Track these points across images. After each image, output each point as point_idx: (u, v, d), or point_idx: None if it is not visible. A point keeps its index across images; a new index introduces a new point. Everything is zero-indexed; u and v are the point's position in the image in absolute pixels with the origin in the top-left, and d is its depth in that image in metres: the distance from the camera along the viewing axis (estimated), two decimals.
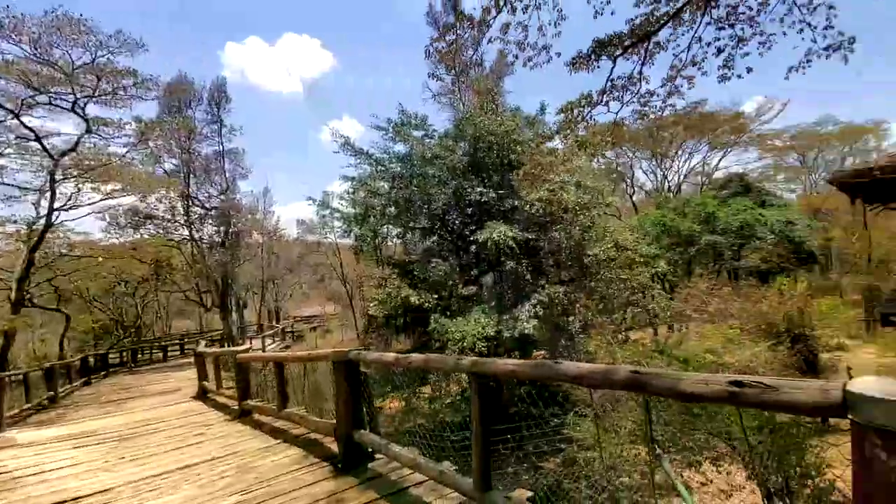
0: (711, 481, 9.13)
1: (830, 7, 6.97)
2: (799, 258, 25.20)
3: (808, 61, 7.35)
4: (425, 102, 26.37)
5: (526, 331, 11.27)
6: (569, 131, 9.91)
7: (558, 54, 7.74)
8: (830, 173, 21.06)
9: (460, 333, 11.30)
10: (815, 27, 7.06)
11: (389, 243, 16.58)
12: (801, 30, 7.18)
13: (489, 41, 7.55)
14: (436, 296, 12.92)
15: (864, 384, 1.06)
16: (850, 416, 1.06)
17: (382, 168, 14.13)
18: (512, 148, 13.02)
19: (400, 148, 14.39)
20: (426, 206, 13.47)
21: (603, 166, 32.10)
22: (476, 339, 11.20)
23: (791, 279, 18.53)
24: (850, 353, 18.43)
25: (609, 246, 13.14)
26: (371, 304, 13.71)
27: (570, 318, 13.29)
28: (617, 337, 15.94)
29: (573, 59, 8.02)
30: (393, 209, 13.96)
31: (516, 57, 7.94)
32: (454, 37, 7.74)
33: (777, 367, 13.71)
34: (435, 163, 13.13)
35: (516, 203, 12.82)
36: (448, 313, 12.86)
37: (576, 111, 8.94)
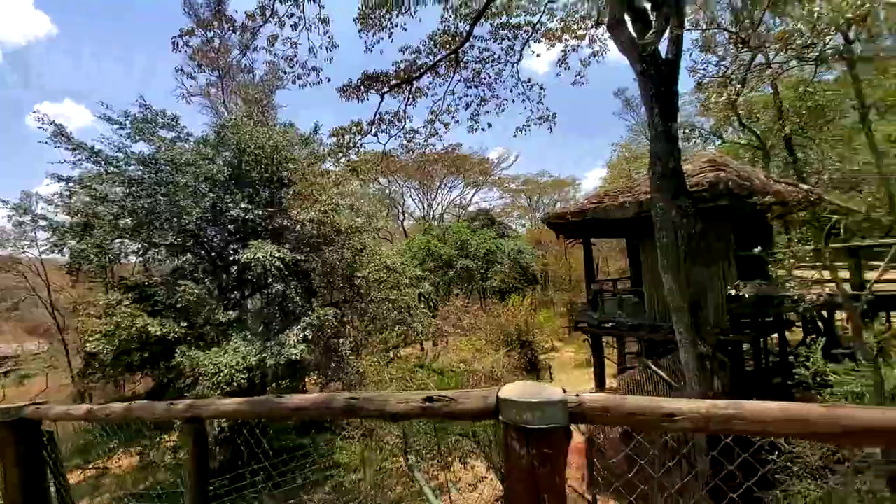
0: (460, 479, 10.32)
1: (542, 87, 9.27)
2: (526, 279, 31.57)
3: (527, 126, 9.56)
4: (178, 101, 22.49)
5: (293, 356, 10.69)
6: (341, 155, 10.16)
7: (328, 79, 7.87)
8: (545, 214, 27.22)
9: (215, 366, 9.94)
10: (533, 100, 9.26)
11: (123, 261, 13.44)
12: (524, 100, 9.30)
13: (254, 50, 7.12)
14: (185, 324, 11.10)
15: (510, 390, 1.30)
16: (500, 418, 1.29)
17: (115, 169, 11.47)
18: (283, 165, 12.42)
19: (142, 148, 12.01)
20: (176, 220, 11.52)
21: (377, 192, 34.00)
22: (234, 371, 10.02)
23: (520, 297, 23.04)
24: (559, 353, 23.89)
25: (379, 268, 13.74)
26: (91, 339, 10.77)
27: (342, 340, 13.29)
28: (387, 355, 16.75)
29: (343, 86, 8.27)
30: (129, 220, 11.40)
31: (285, 72, 7.72)
32: (213, 34, 6.99)
33: (511, 368, 16.67)
34: (188, 170, 11.41)
35: (286, 222, 12.22)
36: (202, 343, 11.17)
37: (347, 137, 9.22)
